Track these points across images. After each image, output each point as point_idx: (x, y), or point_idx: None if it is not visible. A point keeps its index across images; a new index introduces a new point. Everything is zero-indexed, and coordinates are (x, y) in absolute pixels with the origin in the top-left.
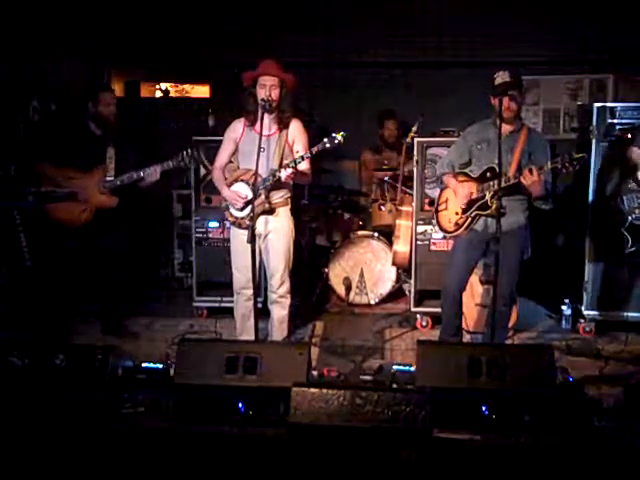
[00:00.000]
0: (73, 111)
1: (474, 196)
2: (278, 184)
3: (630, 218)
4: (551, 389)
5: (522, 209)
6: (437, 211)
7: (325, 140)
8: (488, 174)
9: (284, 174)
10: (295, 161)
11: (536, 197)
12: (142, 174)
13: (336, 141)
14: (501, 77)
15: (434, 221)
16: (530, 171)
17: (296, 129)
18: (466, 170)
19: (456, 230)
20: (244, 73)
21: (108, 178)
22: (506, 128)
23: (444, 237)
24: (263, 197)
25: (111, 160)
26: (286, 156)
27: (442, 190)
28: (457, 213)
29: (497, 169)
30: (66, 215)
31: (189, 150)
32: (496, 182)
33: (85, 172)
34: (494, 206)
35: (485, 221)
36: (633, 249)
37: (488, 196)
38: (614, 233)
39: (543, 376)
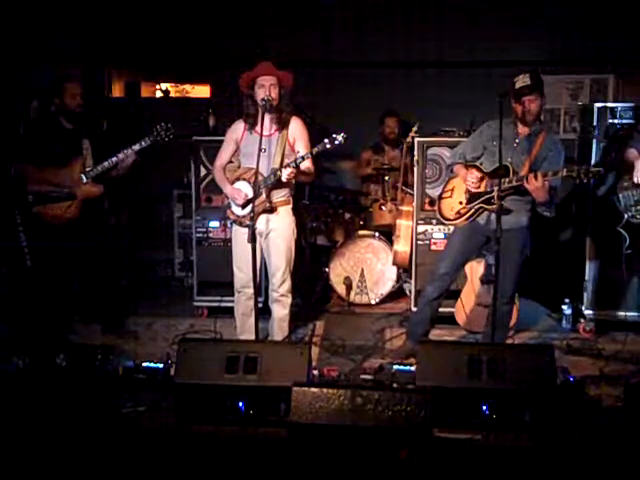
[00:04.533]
0: (48, 109)
1: (481, 189)
2: (279, 183)
3: (626, 216)
4: (551, 389)
5: (526, 209)
6: (441, 198)
7: (326, 141)
8: (500, 172)
9: (285, 173)
10: (296, 161)
11: (539, 203)
12: (121, 156)
13: (337, 142)
14: (521, 80)
15: (436, 208)
16: (535, 177)
17: (296, 128)
18: (477, 163)
19: (456, 219)
20: (242, 75)
21: (87, 168)
22: (524, 130)
23: (445, 236)
24: (264, 196)
25: (87, 151)
26: (287, 155)
27: (450, 178)
28: (461, 203)
29: (510, 168)
30: (52, 212)
31: (163, 124)
32: (506, 180)
33: (63, 167)
34: (499, 203)
35: (488, 215)
36: (629, 251)
37: (496, 192)
38: (612, 232)
39: (543, 376)
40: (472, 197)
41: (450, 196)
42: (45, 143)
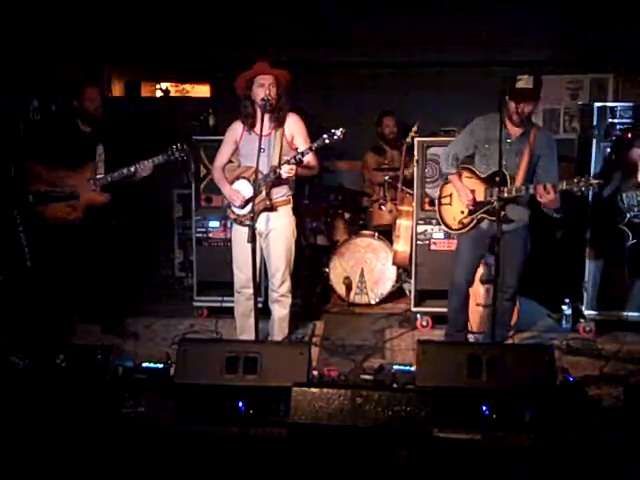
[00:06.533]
0: (64, 111)
1: (480, 199)
2: (279, 181)
3: (629, 215)
4: (551, 389)
5: (525, 208)
6: (440, 204)
7: (325, 136)
8: (497, 178)
9: (284, 170)
10: (295, 157)
11: (549, 208)
12: (132, 169)
13: (335, 137)
14: (525, 82)
15: (437, 213)
16: (545, 188)
17: (293, 124)
18: (472, 167)
19: (460, 229)
20: (238, 76)
21: (98, 175)
22: (515, 130)
23: (445, 236)
24: (264, 194)
25: (101, 157)
26: (286, 152)
27: (446, 183)
28: (462, 212)
29: (506, 175)
30: (55, 214)
31: (179, 145)
32: (505, 190)
33: (74, 170)
34: (500, 212)
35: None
36: (634, 241)
37: (496, 203)
38: (614, 231)
39: (543, 376)
40: (473, 208)
41: (449, 203)
42: (59, 144)
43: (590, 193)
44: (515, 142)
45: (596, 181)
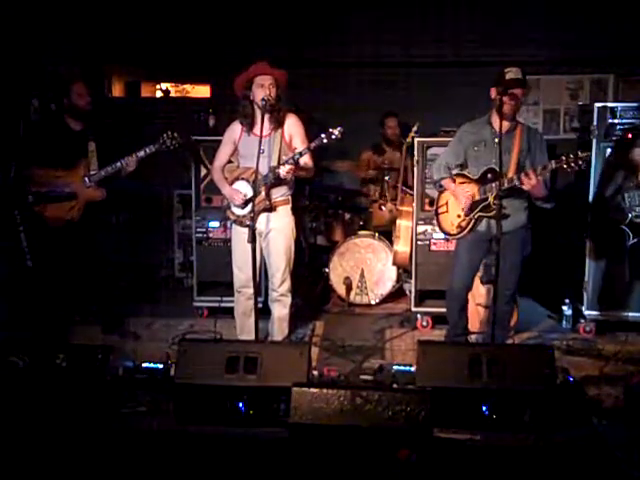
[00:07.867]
0: (57, 110)
1: (476, 198)
2: (278, 181)
3: (631, 215)
4: (551, 389)
5: (523, 208)
6: (437, 214)
7: (322, 135)
8: (489, 175)
9: (283, 170)
10: (293, 157)
11: (537, 198)
12: (125, 162)
13: (333, 136)
14: (514, 73)
15: (435, 223)
16: (527, 175)
17: (292, 125)
18: (464, 172)
19: (459, 233)
20: (237, 76)
21: (92, 172)
22: (503, 125)
23: (446, 238)
24: (263, 194)
25: (93, 154)
26: (285, 153)
27: (441, 192)
28: (459, 216)
29: (497, 169)
30: (55, 214)
31: (169, 132)
32: (498, 183)
33: (69, 169)
34: (497, 207)
35: (488, 222)
36: (635, 240)
37: (491, 198)
38: (615, 231)
39: (543, 376)
40: (469, 208)
41: (446, 211)
42: (51, 144)
43: (591, 193)
44: (503, 139)
45: (584, 154)
